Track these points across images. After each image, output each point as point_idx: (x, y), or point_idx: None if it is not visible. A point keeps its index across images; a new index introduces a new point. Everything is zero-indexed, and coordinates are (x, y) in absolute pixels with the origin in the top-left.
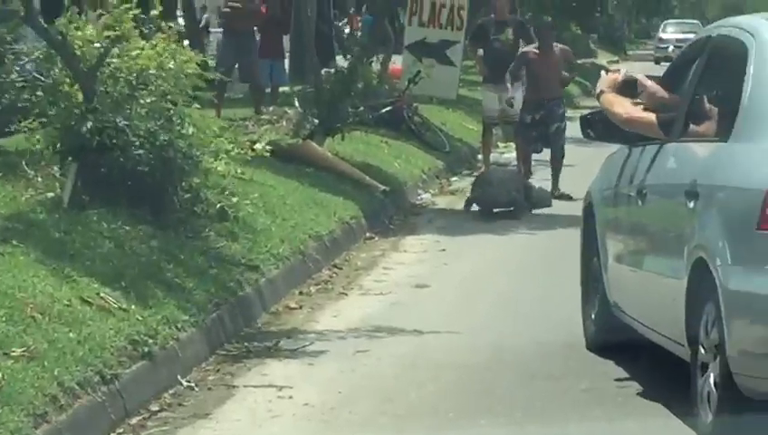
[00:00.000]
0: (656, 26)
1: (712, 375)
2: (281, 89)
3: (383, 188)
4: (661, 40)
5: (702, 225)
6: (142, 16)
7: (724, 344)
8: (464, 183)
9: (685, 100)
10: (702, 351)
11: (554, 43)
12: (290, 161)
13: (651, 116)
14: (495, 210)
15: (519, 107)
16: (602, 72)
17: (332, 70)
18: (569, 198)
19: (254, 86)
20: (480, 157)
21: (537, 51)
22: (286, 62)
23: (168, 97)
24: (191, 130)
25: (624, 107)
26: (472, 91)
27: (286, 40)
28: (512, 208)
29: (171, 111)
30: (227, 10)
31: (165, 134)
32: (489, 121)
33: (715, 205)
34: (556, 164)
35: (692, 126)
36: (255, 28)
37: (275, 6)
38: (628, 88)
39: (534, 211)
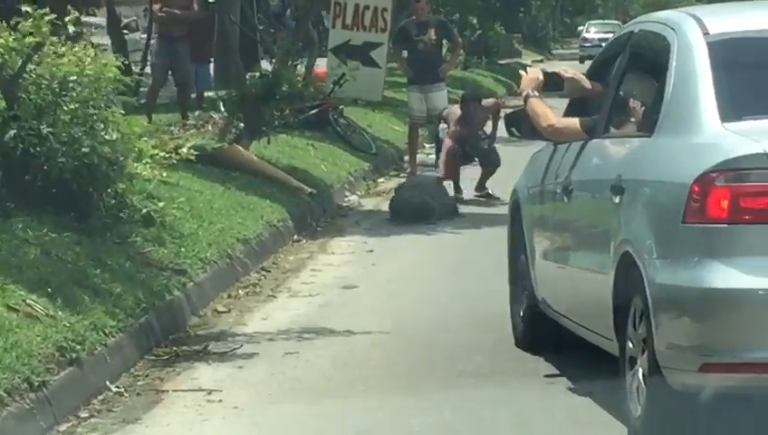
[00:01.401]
0: (580, 25)
1: (640, 369)
2: (206, 93)
3: (310, 190)
4: (585, 39)
5: (628, 219)
6: (58, 22)
7: (652, 338)
8: (391, 184)
9: (608, 95)
10: (630, 345)
11: (481, 106)
12: (216, 166)
13: (575, 122)
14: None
15: (443, 104)
16: (522, 72)
17: (257, 74)
18: (493, 197)
19: (184, 92)
20: (406, 158)
21: (460, 116)
22: (211, 66)
23: (91, 103)
24: (115, 135)
25: (547, 119)
26: (397, 92)
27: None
28: (427, 215)
29: (95, 117)
30: (163, 15)
31: (89, 140)
32: (415, 122)
33: (641, 199)
34: (488, 171)
35: (616, 122)
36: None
37: (199, 11)
38: (553, 82)
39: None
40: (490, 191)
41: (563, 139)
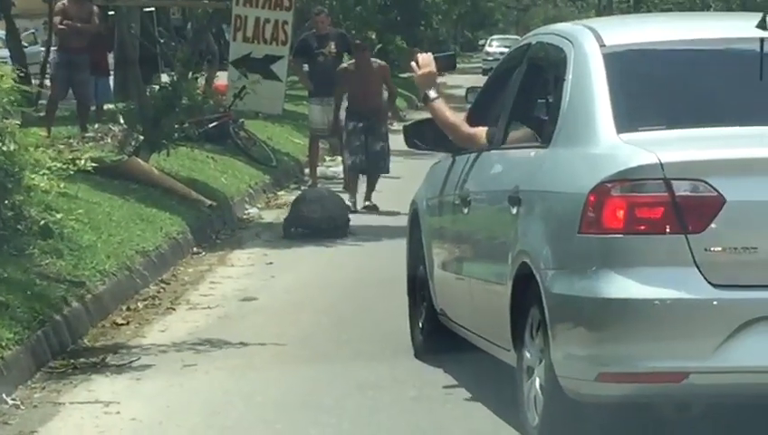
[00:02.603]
0: (481, 39)
1: (537, 379)
2: (105, 106)
3: (210, 202)
4: (488, 53)
5: (525, 230)
6: None
7: (549, 348)
8: (291, 197)
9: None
10: (527, 355)
11: (372, 60)
12: (115, 178)
13: (482, 132)
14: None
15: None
16: (413, 65)
17: (157, 87)
18: (375, 208)
19: (83, 104)
20: (307, 171)
21: (354, 66)
22: (111, 79)
23: None
24: (12, 146)
25: (460, 128)
26: (298, 105)
27: (110, 58)
28: (333, 228)
29: None
30: (63, 27)
31: None
32: (316, 135)
33: (538, 210)
34: (373, 178)
35: (512, 133)
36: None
37: (99, 24)
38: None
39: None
40: (371, 203)
41: (472, 148)
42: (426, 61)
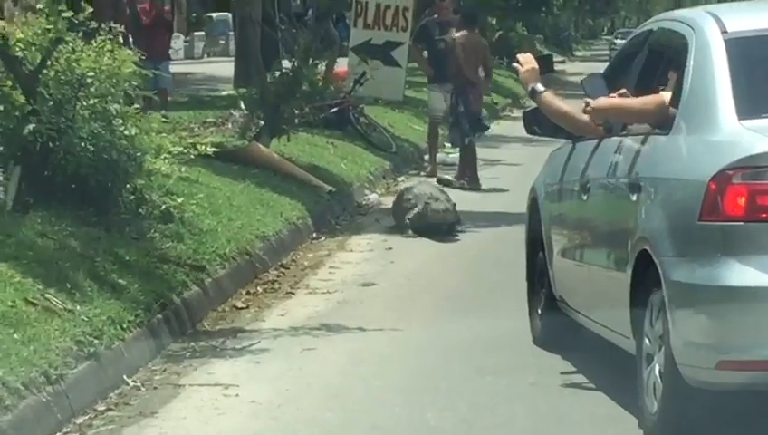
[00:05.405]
0: (602, 26)
1: (657, 366)
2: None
3: (329, 188)
4: (614, 44)
5: (645, 217)
6: (74, 18)
7: (669, 335)
8: (410, 183)
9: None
10: (647, 342)
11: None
12: (236, 163)
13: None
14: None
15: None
16: (516, 66)
17: (278, 73)
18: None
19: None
20: (426, 157)
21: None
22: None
23: (109, 98)
24: (134, 130)
25: (575, 116)
26: (418, 91)
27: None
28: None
29: (113, 112)
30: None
31: (107, 135)
32: (435, 121)
33: (658, 197)
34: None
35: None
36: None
37: (160, 8)
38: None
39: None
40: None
41: (587, 134)
42: (527, 59)
